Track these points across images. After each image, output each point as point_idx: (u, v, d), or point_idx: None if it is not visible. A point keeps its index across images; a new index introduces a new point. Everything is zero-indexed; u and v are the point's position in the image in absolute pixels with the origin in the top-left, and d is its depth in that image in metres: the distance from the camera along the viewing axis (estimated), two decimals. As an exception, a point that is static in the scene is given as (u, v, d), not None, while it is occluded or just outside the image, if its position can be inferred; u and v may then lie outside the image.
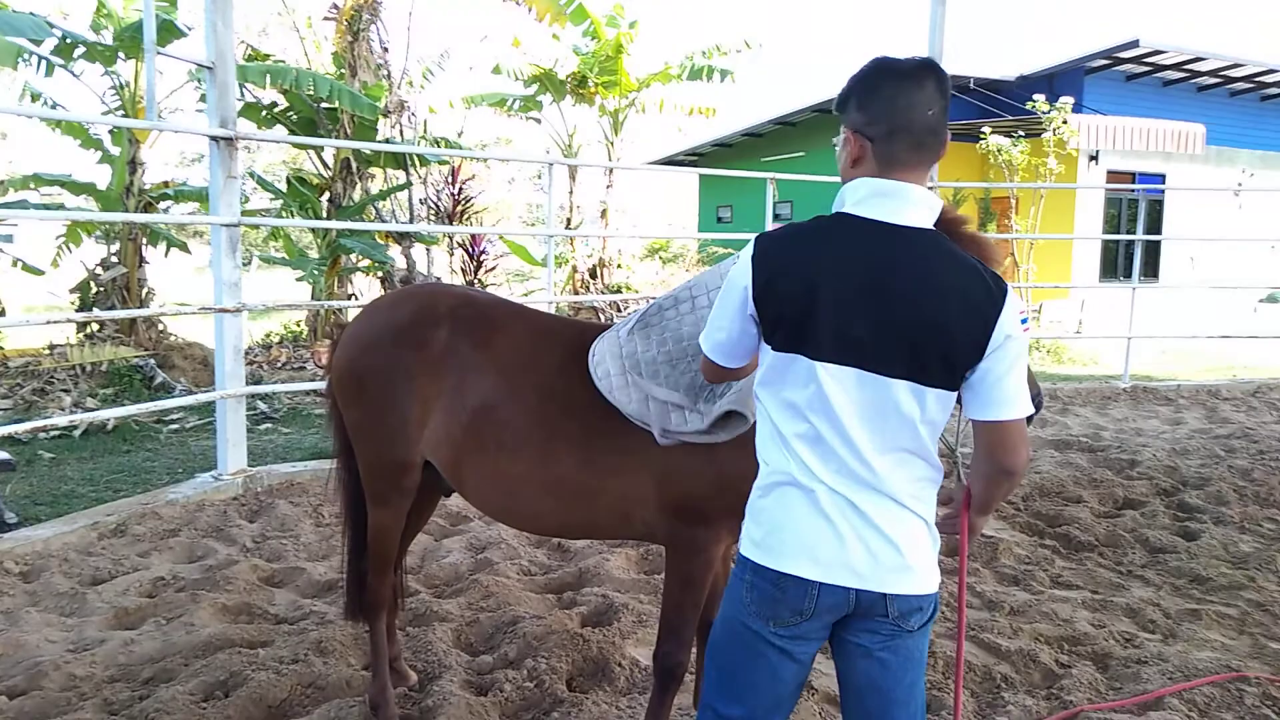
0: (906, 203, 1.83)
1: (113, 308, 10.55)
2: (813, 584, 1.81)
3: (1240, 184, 19.75)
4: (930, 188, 7.62)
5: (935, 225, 2.67)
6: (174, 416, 8.48)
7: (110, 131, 10.94)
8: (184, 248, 11.64)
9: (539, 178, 37.64)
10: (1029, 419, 2.73)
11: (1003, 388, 1.79)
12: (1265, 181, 20.48)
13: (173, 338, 11.03)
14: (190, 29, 10.71)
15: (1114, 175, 18.53)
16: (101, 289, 10.78)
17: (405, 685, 3.37)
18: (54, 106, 10.96)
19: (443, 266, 14.51)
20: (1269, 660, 3.64)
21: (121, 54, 10.50)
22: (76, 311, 10.77)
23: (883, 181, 1.84)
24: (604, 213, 16.30)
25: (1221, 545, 4.93)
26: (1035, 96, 14.91)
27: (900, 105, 1.82)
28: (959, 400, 1.89)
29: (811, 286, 1.79)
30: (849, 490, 1.82)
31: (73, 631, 3.77)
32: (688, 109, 17.19)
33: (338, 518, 5.28)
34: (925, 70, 1.85)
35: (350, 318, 12.57)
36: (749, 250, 1.88)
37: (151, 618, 3.90)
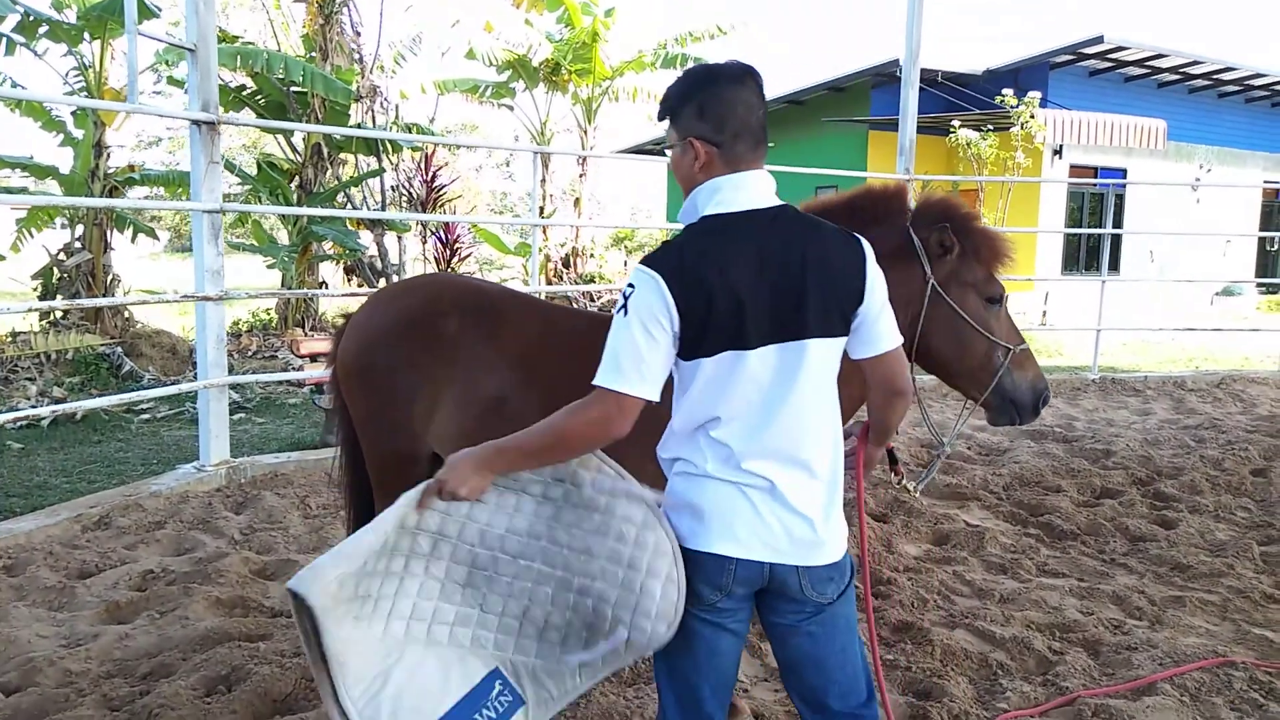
0: (759, 188, 1.95)
1: (77, 294, 10.33)
2: (729, 560, 1.89)
3: (1198, 179, 20.19)
4: (906, 180, 7.67)
5: (949, 220, 2.72)
6: (144, 406, 8.33)
7: (73, 113, 10.68)
8: (151, 234, 11.41)
9: (507, 165, 37.43)
10: (1040, 408, 2.83)
11: (881, 324, 1.98)
12: (1222, 176, 20.96)
13: (139, 325, 10.82)
14: (160, 10, 10.48)
15: (1077, 169, 18.85)
16: (65, 275, 10.54)
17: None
18: (14, 86, 10.66)
19: (415, 254, 14.38)
20: (1252, 645, 3.74)
21: (87, 34, 10.24)
22: (40, 299, 10.53)
23: (733, 177, 1.94)
24: (577, 201, 16.24)
25: (1199, 533, 5.06)
26: (1004, 91, 15.11)
27: (739, 110, 1.93)
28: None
29: (718, 287, 1.84)
30: (767, 469, 1.89)
31: (64, 626, 3.70)
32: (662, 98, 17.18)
33: (326, 509, 5.27)
34: (750, 75, 1.97)
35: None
36: (646, 272, 1.85)
37: (144, 611, 3.84)
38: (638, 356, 1.82)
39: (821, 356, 1.92)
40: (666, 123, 2.01)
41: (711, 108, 1.92)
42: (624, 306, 1.86)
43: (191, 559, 4.43)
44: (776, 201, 1.97)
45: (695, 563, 1.92)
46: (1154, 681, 3.38)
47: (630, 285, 1.87)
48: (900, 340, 2.03)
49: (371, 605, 1.94)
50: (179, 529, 4.84)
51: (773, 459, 1.90)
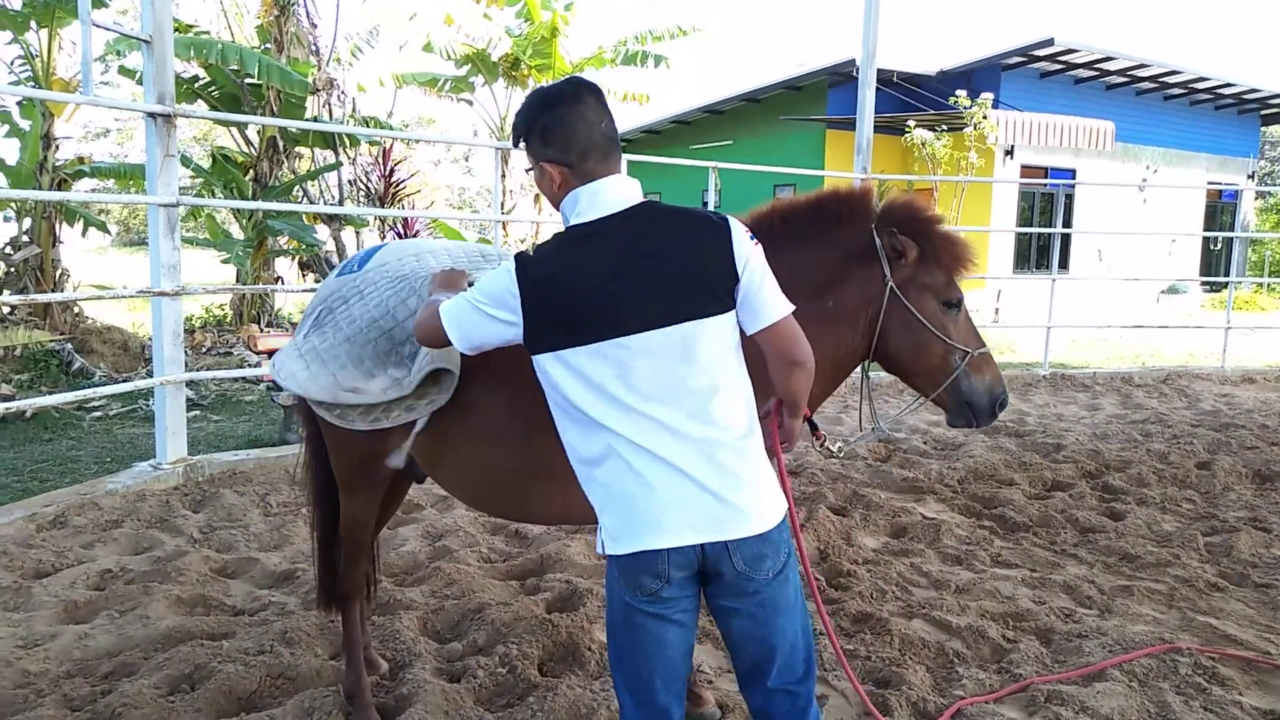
0: (617, 190, 2.03)
1: (25, 289, 10.10)
2: (661, 552, 1.95)
3: (1145, 179, 20.71)
4: (862, 179, 7.74)
5: (911, 223, 2.77)
6: (97, 404, 8.18)
7: (19, 104, 10.42)
8: (103, 227, 11.17)
9: (466, 160, 37.15)
10: (997, 412, 2.88)
11: (764, 296, 2.04)
12: (1167, 177, 21.51)
13: (89, 321, 10.61)
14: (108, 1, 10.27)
15: (1028, 170, 19.22)
16: (13, 269, 10.29)
17: (376, 674, 3.36)
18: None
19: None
20: (1197, 632, 3.88)
21: (34, 21, 10.00)
22: (-15, 292, 10.27)
23: (589, 186, 2.03)
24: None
25: (1146, 525, 5.22)
26: (957, 92, 15.36)
27: (580, 129, 2.02)
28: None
29: (582, 283, 1.95)
30: (673, 451, 1.95)
31: (20, 626, 3.64)
32: (622, 94, 17.18)
33: (286, 506, 5.22)
34: (583, 89, 2.07)
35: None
36: (510, 269, 2.02)
37: (103, 611, 3.79)
38: (468, 319, 2.08)
39: (702, 335, 1.97)
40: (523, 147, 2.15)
41: (553, 131, 2.03)
42: (475, 287, 2.10)
43: (150, 558, 4.38)
44: (637, 200, 2.05)
45: (631, 561, 1.96)
46: (1104, 668, 3.49)
47: (486, 276, 2.10)
48: (790, 309, 2.08)
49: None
50: (137, 528, 4.77)
51: (679, 440, 1.95)
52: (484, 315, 2.05)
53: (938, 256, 2.82)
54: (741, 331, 2.08)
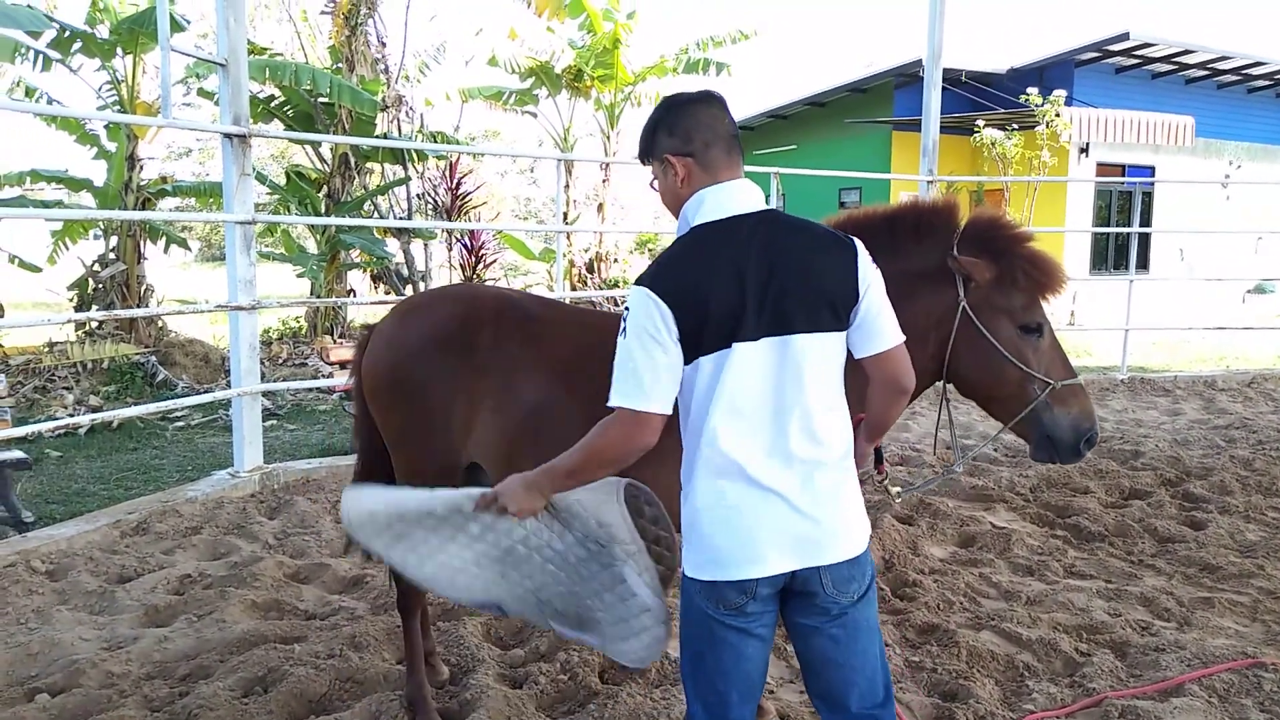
0: (745, 195, 2.04)
1: (111, 305, 10.53)
2: (749, 581, 1.93)
3: (1228, 176, 19.93)
4: (929, 182, 7.60)
5: (994, 240, 2.66)
6: (179, 414, 8.48)
7: (106, 127, 10.90)
8: (184, 244, 11.62)
9: (530, 170, 37.60)
10: (1084, 450, 2.71)
11: (881, 321, 2.03)
12: (1252, 173, 20.67)
13: (173, 334, 11.01)
14: (189, 22, 10.67)
15: (1103, 168, 18.67)
16: (100, 286, 10.75)
17: (438, 680, 3.41)
18: (50, 102, 10.89)
19: (440, 261, 14.51)
20: (1283, 647, 3.73)
21: (119, 48, 10.45)
22: (75, 309, 10.75)
23: (716, 187, 2.04)
24: (600, 207, 16.31)
25: (1228, 534, 5.03)
26: (1028, 89, 15.02)
27: (705, 120, 2.06)
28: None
29: (708, 287, 1.93)
30: (775, 472, 1.93)
31: (105, 630, 3.80)
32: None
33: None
34: (709, 93, 2.11)
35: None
36: (641, 291, 1.95)
37: (182, 615, 3.93)
38: (641, 373, 1.92)
39: (815, 351, 1.96)
40: (649, 167, 2.15)
41: (678, 124, 2.06)
42: (624, 328, 1.95)
43: (227, 563, 4.53)
44: (762, 206, 2.05)
45: (718, 585, 1.95)
46: (1182, 683, 3.38)
47: (627, 307, 1.97)
48: (902, 338, 2.07)
49: (413, 544, 2.34)
50: (215, 534, 4.94)
51: (780, 459, 1.94)
52: (652, 352, 1.91)
53: (1017, 277, 2.66)
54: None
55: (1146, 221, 18.67)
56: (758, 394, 1.94)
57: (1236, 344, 13.56)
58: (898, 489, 2.75)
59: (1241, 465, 6.36)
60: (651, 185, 2.20)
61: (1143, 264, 18.93)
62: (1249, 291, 20.57)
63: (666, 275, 1.96)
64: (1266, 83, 20.45)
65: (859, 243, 2.05)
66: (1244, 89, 20.76)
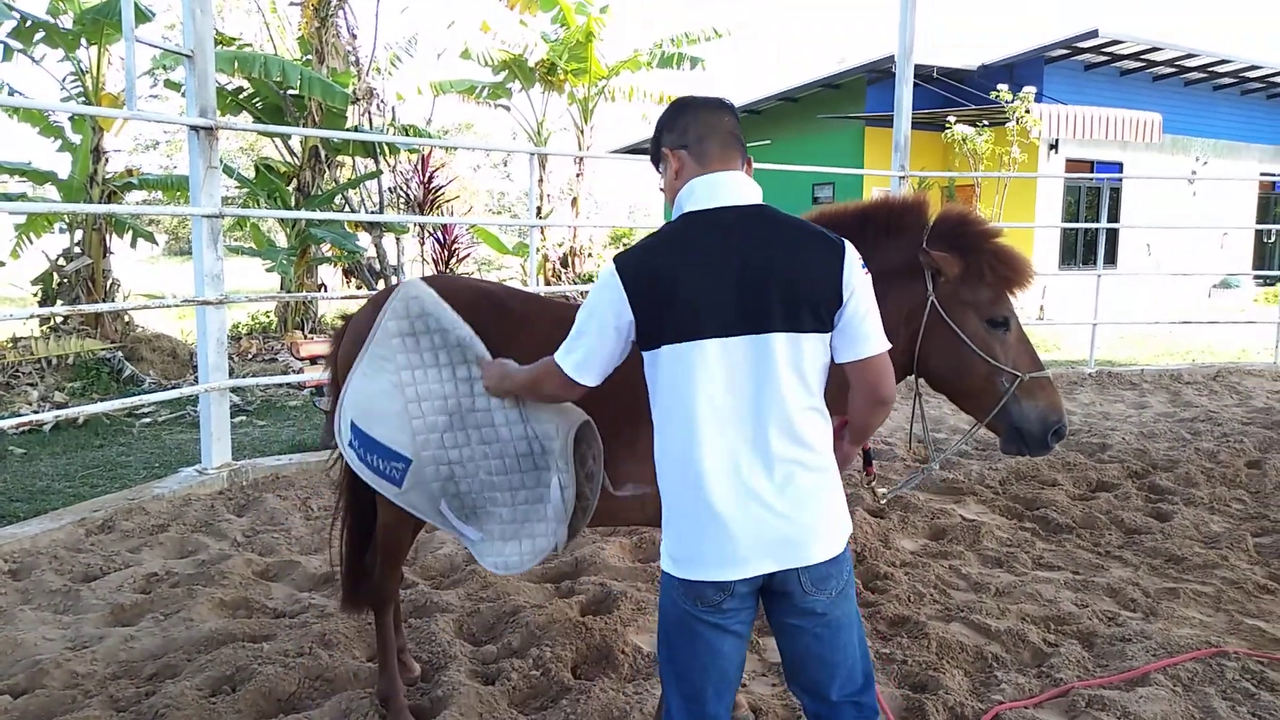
0: (736, 187, 2.05)
1: (77, 299, 10.37)
2: (727, 582, 1.95)
3: (1194, 172, 20.22)
4: (901, 177, 7.63)
5: (962, 236, 2.67)
6: (146, 410, 8.37)
7: (71, 119, 10.71)
8: (150, 238, 11.45)
9: (504, 164, 37.42)
10: (1052, 442, 2.72)
11: (865, 327, 2.01)
12: (1217, 169, 20.99)
13: (139, 329, 10.86)
14: (154, 13, 10.51)
15: (1072, 164, 18.88)
16: (65, 280, 10.58)
17: (410, 677, 3.39)
18: (12, 93, 10.69)
19: (413, 255, 14.41)
20: (1245, 635, 3.79)
21: (84, 39, 10.27)
22: (40, 304, 10.57)
23: (708, 177, 2.06)
24: (574, 201, 16.27)
25: (1193, 525, 5.10)
26: (998, 86, 15.15)
27: (703, 117, 2.11)
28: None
29: (683, 276, 1.94)
30: (754, 469, 1.94)
31: (69, 629, 3.74)
32: (658, 96, 17.20)
33: (327, 510, 5.30)
34: (716, 99, 2.18)
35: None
36: (609, 269, 2.02)
37: (149, 614, 3.88)
38: (584, 343, 2.05)
39: (793, 351, 1.94)
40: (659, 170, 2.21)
41: (679, 121, 2.13)
42: (589, 297, 2.06)
43: (195, 561, 4.47)
44: (756, 201, 2.04)
45: (698, 584, 1.96)
46: (1147, 672, 3.42)
47: (597, 280, 2.05)
48: (887, 347, 2.05)
49: (405, 350, 2.62)
50: (182, 532, 4.88)
51: (760, 459, 1.94)
52: (601, 332, 2.03)
53: (984, 272, 2.66)
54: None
55: (1114, 217, 18.92)
56: (736, 392, 1.93)
57: (1202, 338, 13.78)
58: (883, 490, 2.78)
59: (1206, 457, 6.45)
60: (660, 188, 2.23)
61: (1110, 259, 19.17)
62: (1215, 286, 20.91)
63: (638, 260, 2.00)
64: (1231, 80, 20.75)
65: (849, 245, 2.03)
66: (1210, 86, 21.06)
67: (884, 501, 2.79)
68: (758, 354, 1.93)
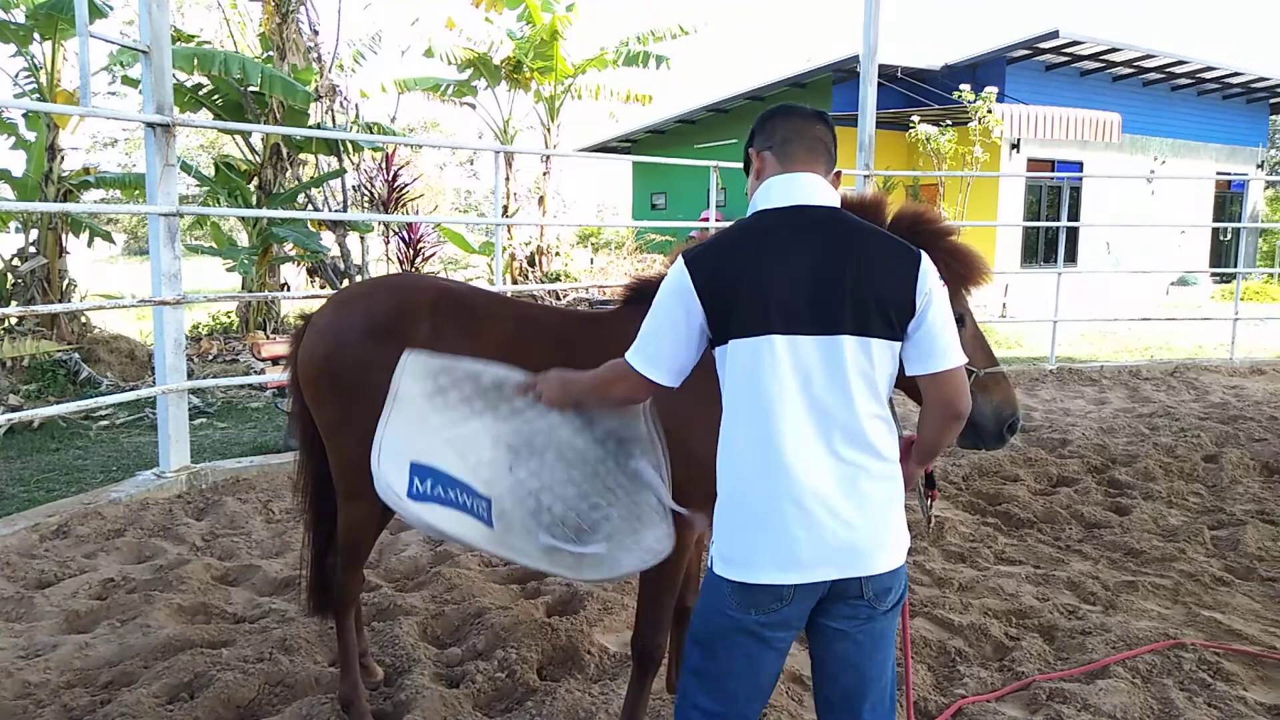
0: (813, 187, 2.04)
1: (32, 300, 10.15)
2: (787, 587, 1.89)
3: (1153, 171, 20.57)
4: (866, 176, 7.67)
5: (918, 234, 2.69)
6: (103, 413, 8.21)
7: (25, 115, 10.48)
8: (107, 237, 11.24)
9: (470, 163, 37.25)
10: (1007, 435, 2.74)
11: (942, 340, 1.97)
12: (1175, 169, 21.37)
13: (97, 330, 10.66)
14: (111, 8, 10.32)
15: (1034, 163, 19.13)
16: (20, 281, 10.35)
17: (372, 681, 3.35)
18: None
19: (378, 254, 14.28)
20: (1202, 627, 3.85)
21: (37, 34, 10.05)
22: (-7, 304, 10.33)
23: (786, 175, 2.05)
24: (541, 199, 16.22)
25: (1152, 519, 5.18)
26: (961, 86, 15.30)
27: (793, 122, 2.11)
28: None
29: (753, 271, 1.93)
30: (820, 471, 1.89)
31: (21, 637, 3.65)
32: (624, 95, 17.17)
33: (289, 513, 5.23)
34: (814, 110, 2.17)
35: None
36: (679, 264, 2.01)
37: (104, 620, 3.80)
38: (659, 344, 2.02)
39: (863, 356, 1.91)
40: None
41: (769, 124, 2.13)
42: (660, 291, 2.04)
43: (152, 566, 4.39)
44: (833, 204, 2.04)
45: (755, 588, 1.90)
46: (1107, 664, 3.47)
47: (666, 276, 2.04)
48: (963, 361, 2.01)
49: (443, 405, 2.36)
50: (139, 536, 4.79)
51: (824, 461, 1.89)
52: (673, 327, 2.00)
53: (939, 269, 2.72)
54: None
55: (1075, 216, 19.19)
56: (805, 392, 1.90)
57: (1160, 334, 14.01)
58: (934, 515, 2.74)
59: (1164, 452, 6.56)
60: (747, 193, 2.21)
61: (1071, 257, 19.44)
62: (1173, 284, 21.29)
63: (707, 254, 1.99)
64: (1189, 81, 21.14)
65: (925, 255, 2.01)
66: (1168, 87, 21.44)
67: (929, 525, 2.75)
68: (827, 355, 1.90)
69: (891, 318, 1.93)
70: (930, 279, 1.98)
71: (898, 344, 1.96)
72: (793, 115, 2.12)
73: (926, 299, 1.95)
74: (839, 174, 2.20)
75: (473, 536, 2.20)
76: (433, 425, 2.32)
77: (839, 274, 1.91)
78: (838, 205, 2.05)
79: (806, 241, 1.95)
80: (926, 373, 1.99)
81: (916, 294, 1.94)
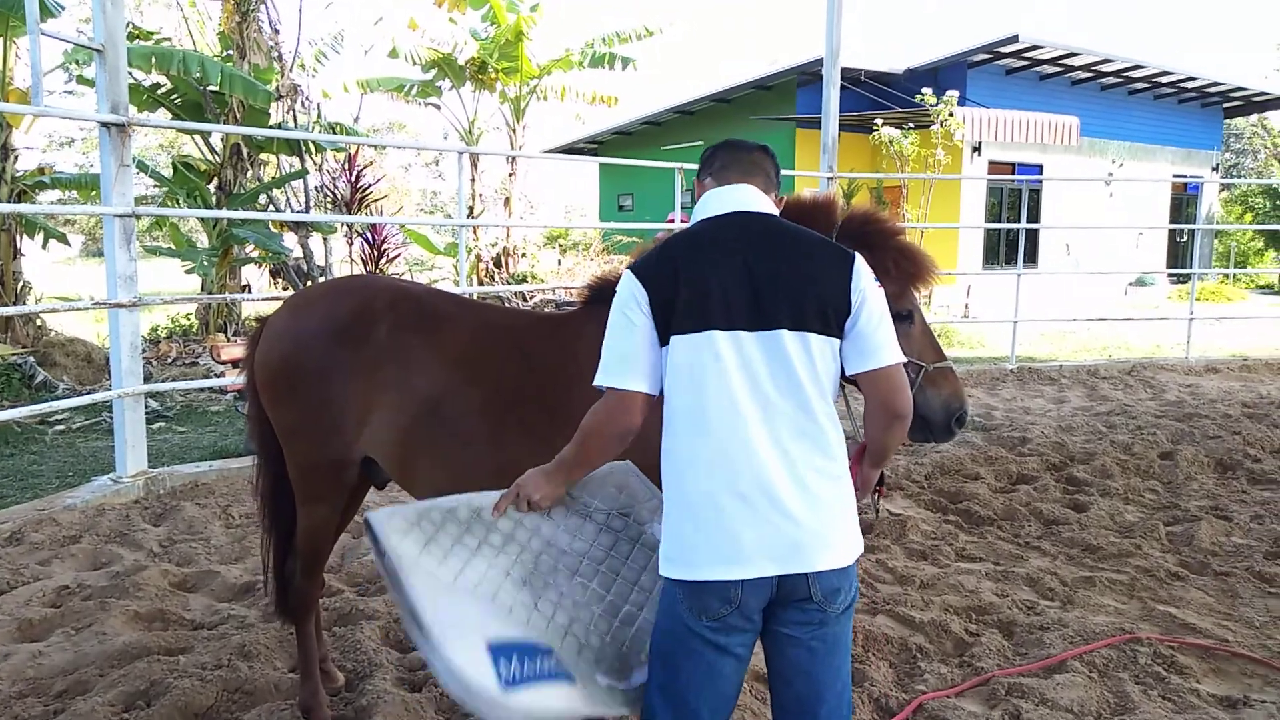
0: (748, 196, 2.11)
1: (-15, 302, 9.94)
2: (734, 583, 1.88)
3: (1111, 174, 20.93)
4: (830, 178, 7.73)
5: (871, 232, 2.72)
6: (59, 417, 8.05)
7: (-24, 114, 10.26)
8: (63, 239, 11.03)
9: (435, 164, 37.00)
10: (955, 429, 2.80)
11: (878, 337, 2.00)
12: (1133, 171, 21.75)
13: (53, 333, 10.46)
14: (63, 6, 10.14)
15: (995, 166, 19.38)
16: (-29, 283, 10.13)
17: (333, 686, 3.32)
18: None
19: (341, 256, 14.14)
20: (1157, 622, 3.92)
21: (-12, 32, 9.85)
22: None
23: (722, 188, 2.15)
24: (507, 201, 16.15)
25: (1109, 516, 5.27)
26: (923, 89, 15.46)
27: (731, 152, 2.21)
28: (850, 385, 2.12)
29: (692, 271, 1.99)
30: (764, 467, 1.90)
31: (-28, 647, 3.57)
32: (590, 96, 17.15)
33: (249, 518, 5.16)
34: (758, 144, 2.26)
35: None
36: (625, 276, 2.07)
37: (59, 628, 3.73)
38: (623, 351, 2.00)
39: (803, 351, 1.94)
40: None
41: (711, 157, 2.23)
42: (613, 307, 2.06)
43: (108, 573, 4.31)
44: (770, 212, 2.11)
45: (698, 585, 1.90)
46: (1064, 659, 3.52)
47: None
48: (901, 359, 2.03)
49: (441, 555, 2.13)
50: (95, 543, 4.70)
51: (769, 457, 1.90)
52: (629, 328, 2.00)
53: (888, 267, 2.73)
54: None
55: (1035, 218, 19.46)
56: (747, 389, 1.92)
57: (1118, 334, 14.26)
58: (884, 506, 2.77)
59: (1121, 450, 6.67)
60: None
61: (1031, 259, 19.72)
62: (1130, 284, 21.68)
63: (648, 260, 2.06)
64: (1145, 85, 21.52)
65: (859, 256, 2.06)
66: (1125, 91, 21.82)
67: (878, 518, 2.80)
68: (769, 350, 1.93)
69: (828, 315, 1.97)
70: (864, 278, 2.02)
71: (836, 341, 2.00)
72: (732, 146, 2.22)
73: (861, 296, 1.99)
74: (782, 199, 2.25)
75: (579, 706, 1.97)
76: (462, 586, 2.10)
77: (775, 274, 1.96)
78: (775, 214, 2.12)
79: (743, 244, 2.01)
80: (864, 370, 2.02)
81: (851, 292, 1.99)
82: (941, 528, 5.15)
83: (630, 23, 16.52)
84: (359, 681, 3.36)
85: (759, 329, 1.93)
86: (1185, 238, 23.51)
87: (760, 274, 1.96)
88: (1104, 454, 6.52)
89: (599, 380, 2.03)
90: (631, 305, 2.00)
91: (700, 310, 1.94)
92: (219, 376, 8.72)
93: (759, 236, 2.02)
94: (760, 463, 1.90)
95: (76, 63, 11.40)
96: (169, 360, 10.76)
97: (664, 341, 1.99)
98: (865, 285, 2.01)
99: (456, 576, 2.11)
